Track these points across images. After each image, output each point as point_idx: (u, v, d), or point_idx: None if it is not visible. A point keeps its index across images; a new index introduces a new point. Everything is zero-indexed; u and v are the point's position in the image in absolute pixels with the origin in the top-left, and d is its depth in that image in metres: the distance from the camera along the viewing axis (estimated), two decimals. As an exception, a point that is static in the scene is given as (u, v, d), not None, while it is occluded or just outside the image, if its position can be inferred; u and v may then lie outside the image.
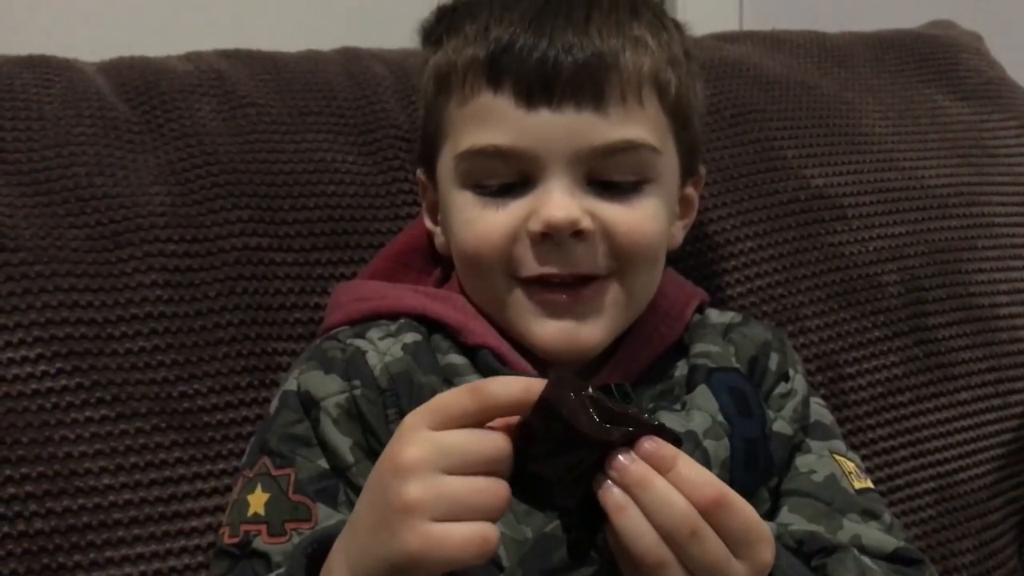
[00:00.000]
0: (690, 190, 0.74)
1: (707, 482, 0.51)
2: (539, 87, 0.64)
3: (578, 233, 0.64)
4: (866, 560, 0.64)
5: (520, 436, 0.51)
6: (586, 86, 0.64)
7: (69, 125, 0.76)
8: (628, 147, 0.66)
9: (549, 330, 0.66)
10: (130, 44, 0.88)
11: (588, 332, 0.66)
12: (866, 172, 0.92)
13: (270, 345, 0.75)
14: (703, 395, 0.68)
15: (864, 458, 0.84)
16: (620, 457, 0.50)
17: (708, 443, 0.66)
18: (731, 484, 0.64)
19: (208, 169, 0.77)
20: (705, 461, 0.65)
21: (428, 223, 0.74)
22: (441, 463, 0.50)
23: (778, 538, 0.63)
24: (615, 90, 0.65)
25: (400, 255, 0.76)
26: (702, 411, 0.67)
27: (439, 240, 0.73)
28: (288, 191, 0.78)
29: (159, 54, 0.86)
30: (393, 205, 0.81)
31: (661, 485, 0.50)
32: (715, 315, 0.75)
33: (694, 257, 0.84)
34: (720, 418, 0.67)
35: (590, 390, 0.51)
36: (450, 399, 0.52)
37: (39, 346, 0.68)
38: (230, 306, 0.74)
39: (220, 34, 0.91)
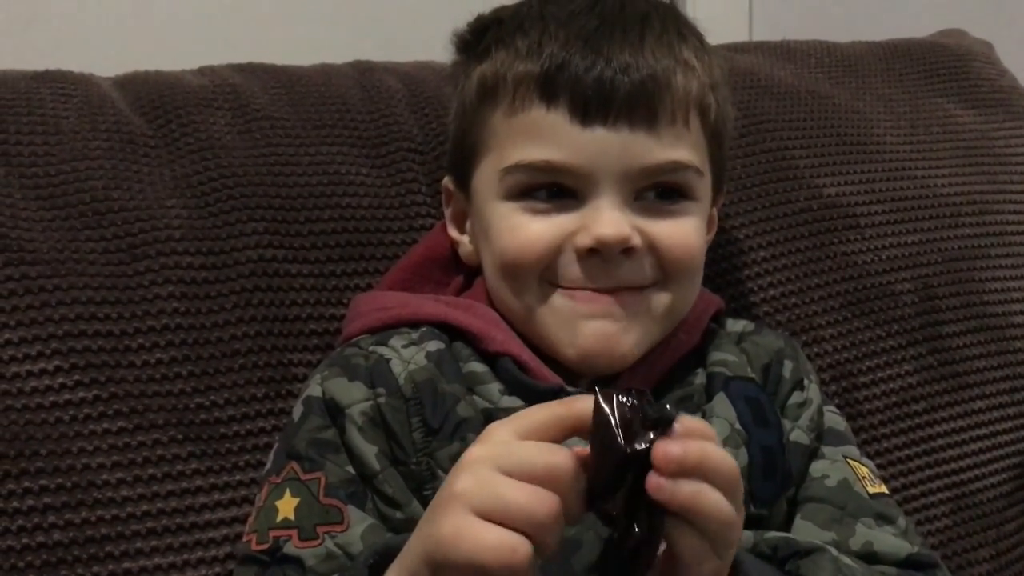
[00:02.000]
0: (714, 209, 0.76)
1: (731, 460, 0.52)
2: (595, 105, 0.65)
3: (627, 250, 0.65)
4: (845, 559, 0.64)
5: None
6: (640, 106, 0.65)
7: (86, 139, 0.77)
8: (676, 168, 0.67)
9: (587, 332, 0.66)
10: (145, 59, 0.89)
11: (626, 338, 0.66)
12: (878, 181, 0.92)
13: (286, 356, 0.75)
14: (721, 403, 0.68)
15: (879, 467, 0.84)
16: (670, 446, 0.49)
17: (728, 451, 0.65)
18: (750, 493, 0.65)
19: (223, 182, 0.78)
20: None
21: (453, 232, 0.74)
22: (500, 462, 0.50)
23: (753, 547, 0.63)
24: (667, 111, 0.66)
25: (418, 266, 0.76)
26: (721, 419, 0.67)
27: (465, 249, 0.73)
28: (303, 203, 0.79)
29: (173, 68, 0.87)
30: (407, 217, 0.81)
31: (712, 450, 0.50)
32: (729, 323, 0.76)
33: (708, 266, 0.83)
34: (738, 426, 0.67)
35: (623, 398, 0.51)
36: (536, 412, 0.52)
37: (57, 358, 0.69)
38: (246, 318, 0.74)
39: (233, 48, 0.92)
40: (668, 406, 0.52)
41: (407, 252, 0.78)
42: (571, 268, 0.66)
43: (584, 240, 0.65)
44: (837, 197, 0.90)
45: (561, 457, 0.50)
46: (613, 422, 0.50)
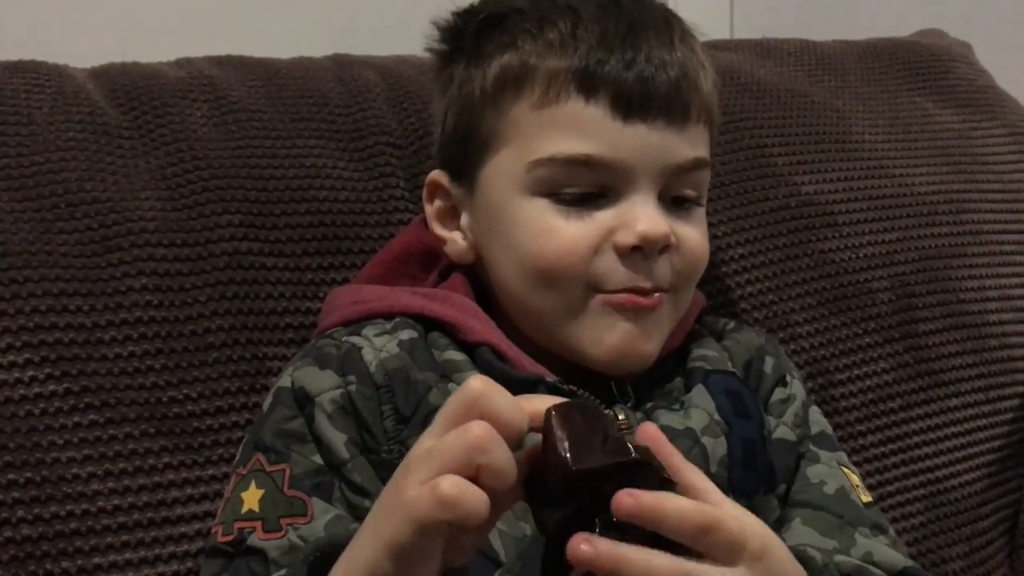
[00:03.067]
0: None
1: (694, 511, 0.51)
2: (638, 101, 0.65)
3: (665, 248, 0.65)
4: None
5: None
6: (678, 103, 0.66)
7: (59, 131, 0.76)
8: (700, 165, 0.68)
9: (619, 332, 0.65)
10: (122, 50, 0.88)
11: (650, 340, 0.66)
12: (856, 179, 0.92)
13: (260, 350, 0.74)
14: (700, 394, 0.68)
15: (855, 465, 0.84)
16: (581, 545, 0.48)
17: (706, 440, 0.66)
18: (729, 482, 0.65)
19: (199, 175, 0.77)
20: (703, 458, 0.65)
21: (439, 230, 0.72)
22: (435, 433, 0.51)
23: (823, 567, 0.63)
24: (697, 109, 0.67)
25: (395, 260, 0.75)
26: (700, 409, 0.67)
27: (456, 247, 0.71)
28: (279, 197, 0.78)
29: (151, 60, 0.86)
30: (384, 211, 0.81)
31: (632, 554, 0.49)
32: (710, 322, 0.76)
33: (685, 264, 0.84)
34: (717, 417, 0.67)
35: (609, 419, 0.50)
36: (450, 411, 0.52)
37: (28, 351, 0.68)
38: (220, 311, 0.74)
39: (212, 40, 0.92)
40: (635, 454, 0.50)
41: (384, 246, 0.78)
42: (614, 269, 0.65)
43: (627, 238, 0.64)
44: (815, 195, 0.90)
45: (475, 431, 0.49)
46: (562, 439, 0.49)
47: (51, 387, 0.68)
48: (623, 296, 0.65)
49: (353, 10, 1.10)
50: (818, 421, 0.73)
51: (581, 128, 0.65)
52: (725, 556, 0.51)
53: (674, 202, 0.67)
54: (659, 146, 0.65)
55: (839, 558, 0.65)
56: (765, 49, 1.02)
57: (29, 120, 0.76)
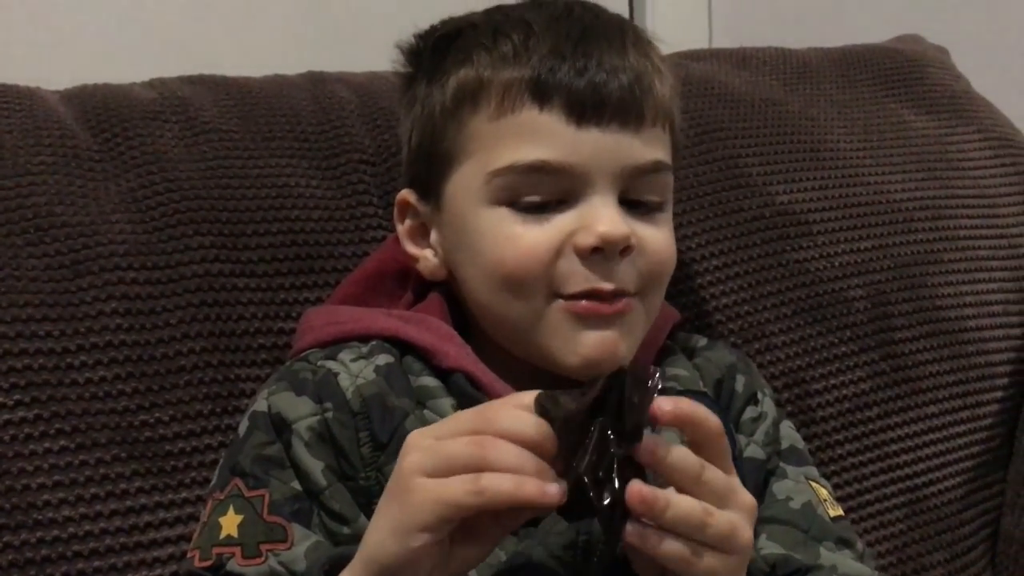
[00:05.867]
0: None
1: (720, 473, 0.54)
2: (591, 105, 0.65)
3: (625, 249, 0.66)
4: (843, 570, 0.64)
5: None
6: (631, 107, 0.66)
7: (29, 155, 0.76)
8: (659, 168, 0.68)
9: (590, 341, 0.65)
10: (98, 71, 0.88)
11: (622, 345, 0.66)
12: (831, 188, 0.92)
13: (233, 372, 0.74)
14: None
15: (833, 474, 0.85)
16: (639, 492, 0.51)
17: None
18: None
19: (169, 196, 0.77)
20: None
21: (411, 248, 0.72)
22: (436, 432, 0.55)
23: (751, 563, 0.63)
24: (651, 113, 0.67)
25: (368, 280, 0.75)
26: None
27: (427, 264, 0.71)
28: (251, 216, 0.78)
29: (128, 79, 0.86)
30: (358, 229, 0.81)
31: (679, 500, 0.52)
32: (682, 339, 0.76)
33: (660, 276, 0.84)
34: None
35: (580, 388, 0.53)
36: (457, 420, 0.56)
37: (-3, 378, 0.68)
38: (192, 333, 0.74)
39: (188, 60, 0.91)
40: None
41: (359, 265, 0.78)
42: (574, 271, 0.65)
43: (587, 239, 0.65)
44: (790, 204, 0.90)
45: (487, 445, 0.53)
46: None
47: (20, 413, 0.68)
48: (584, 305, 0.65)
49: (328, 27, 1.10)
50: (788, 436, 0.73)
51: (537, 135, 0.66)
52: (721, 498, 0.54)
53: (636, 206, 0.68)
54: (614, 149, 0.66)
55: (766, 552, 0.66)
56: (741, 58, 1.02)
57: (-1, 144, 0.76)
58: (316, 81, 0.90)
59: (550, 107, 0.66)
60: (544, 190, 0.66)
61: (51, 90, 0.84)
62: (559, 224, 0.66)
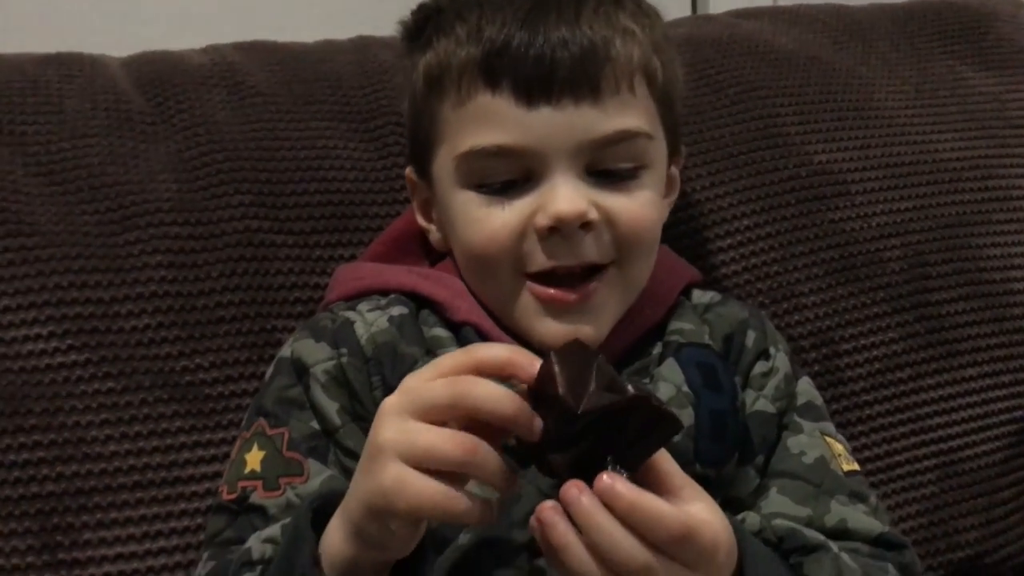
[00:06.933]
0: (673, 169, 0.76)
1: (672, 517, 0.52)
2: (538, 85, 0.66)
3: (585, 225, 0.66)
4: (845, 558, 0.65)
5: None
6: (583, 80, 0.66)
7: (86, 119, 0.81)
8: (625, 137, 0.67)
9: (553, 330, 0.67)
10: (162, 37, 0.93)
11: (590, 330, 0.67)
12: (873, 147, 0.91)
13: (269, 323, 0.79)
14: (669, 368, 0.69)
15: (861, 434, 0.84)
16: (572, 489, 0.52)
17: (672, 410, 0.67)
18: (696, 452, 0.67)
19: (213, 157, 0.82)
20: None
21: (421, 221, 0.75)
22: (411, 407, 0.54)
23: (760, 532, 0.64)
24: (610, 81, 0.67)
25: (396, 240, 0.79)
26: (667, 382, 0.69)
27: (434, 237, 0.74)
28: (289, 176, 0.82)
29: (187, 47, 0.91)
30: (392, 190, 0.84)
31: (606, 525, 0.51)
32: (696, 295, 0.76)
33: (689, 236, 0.85)
34: (685, 389, 0.68)
35: (600, 358, 0.53)
36: (442, 358, 0.56)
37: (51, 324, 0.74)
38: (231, 286, 0.78)
39: (248, 27, 0.95)
40: (656, 399, 0.54)
41: (388, 225, 0.81)
42: (535, 251, 0.66)
43: (542, 220, 0.66)
44: (828, 164, 0.89)
45: (463, 386, 0.53)
46: (558, 378, 0.52)
47: (72, 357, 0.74)
48: (548, 293, 0.67)
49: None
50: (805, 392, 0.73)
51: (490, 120, 0.67)
52: (693, 563, 0.53)
53: (607, 175, 0.68)
54: (568, 125, 0.66)
55: (776, 522, 0.66)
56: (794, 16, 1.01)
57: (59, 109, 0.81)
58: (362, 46, 0.93)
59: (500, 90, 0.66)
60: (504, 171, 0.67)
61: (113, 56, 0.89)
62: (520, 207, 0.67)
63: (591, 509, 0.51)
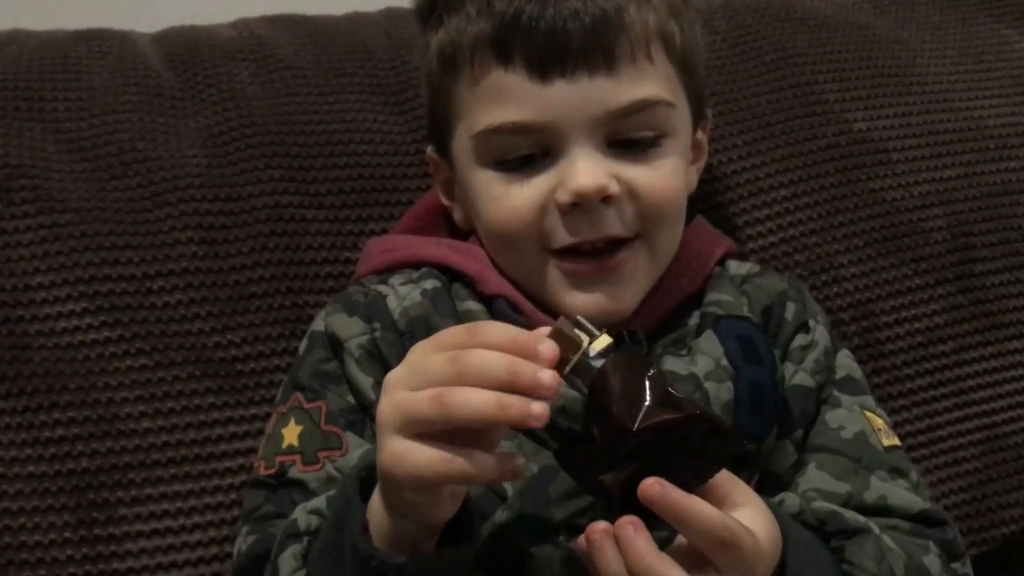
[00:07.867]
0: (700, 134, 0.74)
1: (718, 524, 0.53)
2: (551, 59, 0.65)
3: (607, 199, 0.65)
4: (887, 540, 0.64)
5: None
6: (596, 50, 0.65)
7: (116, 95, 0.81)
8: (644, 106, 0.66)
9: (580, 301, 0.66)
10: (193, 12, 0.92)
11: (619, 301, 0.67)
12: (915, 114, 0.89)
13: (301, 298, 0.78)
14: (708, 340, 0.68)
15: (903, 409, 0.83)
16: (628, 528, 0.52)
17: (709, 385, 0.66)
18: (736, 427, 0.65)
19: (243, 131, 0.81)
20: (705, 402, 0.66)
21: (444, 200, 0.74)
22: (407, 382, 0.53)
23: (799, 514, 0.64)
24: (624, 50, 0.65)
25: (427, 213, 0.78)
26: (705, 355, 0.67)
27: (458, 216, 0.74)
28: (319, 151, 0.81)
29: (218, 21, 0.91)
30: (422, 163, 0.83)
31: (656, 568, 0.52)
32: (734, 266, 0.75)
33: (725, 207, 0.84)
34: (725, 362, 0.67)
35: (652, 370, 0.52)
36: (445, 332, 0.55)
37: (84, 301, 0.74)
38: (262, 261, 0.78)
39: (280, 0, 0.94)
40: (706, 413, 0.53)
41: (418, 199, 0.80)
42: (557, 226, 0.66)
43: (563, 196, 0.65)
44: (868, 132, 0.87)
45: (462, 363, 0.52)
46: (612, 392, 0.51)
47: (106, 334, 0.74)
48: (570, 266, 0.66)
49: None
50: (845, 365, 0.72)
51: (505, 97, 0.66)
52: (731, 570, 0.54)
53: (629, 145, 0.66)
54: (584, 98, 0.65)
55: (817, 505, 0.65)
56: (835, -19, 0.98)
57: (89, 86, 0.81)
58: (392, 17, 0.92)
59: (513, 66, 0.65)
60: (523, 147, 0.66)
61: (143, 32, 0.89)
62: (540, 183, 0.66)
63: (644, 552, 0.52)
